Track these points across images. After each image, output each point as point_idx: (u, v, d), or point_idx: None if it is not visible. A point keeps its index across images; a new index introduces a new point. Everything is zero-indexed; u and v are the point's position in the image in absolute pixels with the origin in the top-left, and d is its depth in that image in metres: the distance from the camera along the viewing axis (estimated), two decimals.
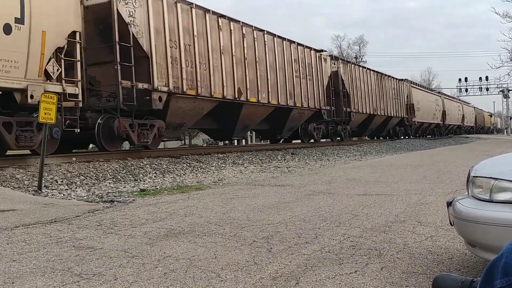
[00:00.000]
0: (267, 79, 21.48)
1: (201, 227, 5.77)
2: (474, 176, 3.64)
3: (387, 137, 41.92)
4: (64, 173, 11.13)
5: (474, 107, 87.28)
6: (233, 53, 19.22)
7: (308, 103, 25.32)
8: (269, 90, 21.66)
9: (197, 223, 6.00)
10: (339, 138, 30.79)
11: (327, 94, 27.87)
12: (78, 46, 12.92)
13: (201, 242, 4.95)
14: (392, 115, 39.37)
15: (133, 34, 14.42)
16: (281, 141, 27.10)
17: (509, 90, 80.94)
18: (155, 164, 13.79)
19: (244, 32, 20.05)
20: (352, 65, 33.23)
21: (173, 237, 5.21)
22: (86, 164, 12.32)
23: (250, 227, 5.71)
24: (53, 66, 12.09)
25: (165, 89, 15.60)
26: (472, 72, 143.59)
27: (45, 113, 9.43)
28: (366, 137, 42.12)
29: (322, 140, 29.72)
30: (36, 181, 9.85)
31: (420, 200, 7.59)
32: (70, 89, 12.58)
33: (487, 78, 78.45)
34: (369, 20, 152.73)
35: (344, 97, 29.74)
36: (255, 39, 20.87)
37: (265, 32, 21.88)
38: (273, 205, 7.43)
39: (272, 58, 22.10)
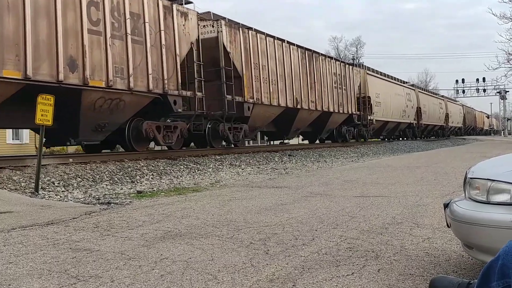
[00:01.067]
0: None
1: (198, 229, 5.76)
2: (471, 178, 3.64)
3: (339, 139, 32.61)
4: (61, 175, 11.11)
5: (463, 105, 79.15)
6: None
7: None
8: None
9: (194, 225, 6.00)
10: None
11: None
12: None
13: (198, 244, 4.94)
14: (333, 110, 29.10)
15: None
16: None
17: (506, 92, 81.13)
18: (152, 166, 13.78)
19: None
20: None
21: (170, 239, 5.20)
22: (83, 165, 12.29)
23: (247, 229, 5.71)
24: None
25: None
26: (469, 74, 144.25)
27: (41, 115, 9.41)
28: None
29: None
30: (33, 182, 9.83)
31: (417, 202, 7.59)
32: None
33: (484, 79, 78.68)
34: (367, 22, 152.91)
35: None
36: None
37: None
38: (270, 207, 7.42)
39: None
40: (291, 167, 16.62)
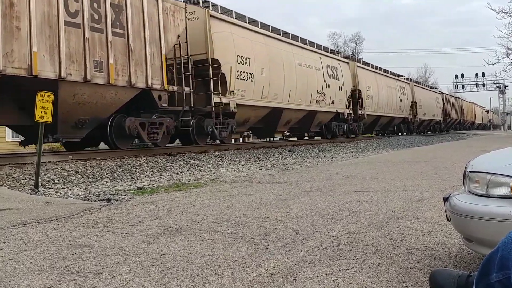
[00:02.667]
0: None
1: (198, 224, 5.77)
2: (470, 171, 3.64)
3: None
4: (61, 172, 11.11)
5: (443, 93, 65.20)
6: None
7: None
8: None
9: (194, 221, 6.00)
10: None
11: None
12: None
13: (198, 240, 4.94)
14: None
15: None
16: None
17: (505, 86, 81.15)
18: (152, 163, 13.78)
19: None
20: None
21: (170, 235, 5.20)
22: (83, 162, 12.29)
23: (247, 224, 5.71)
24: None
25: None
26: (469, 69, 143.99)
27: (41, 112, 9.41)
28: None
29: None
30: (33, 180, 9.83)
31: (417, 196, 7.59)
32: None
33: (483, 74, 78.70)
34: (364, 19, 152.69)
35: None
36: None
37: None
38: (270, 202, 7.43)
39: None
40: (291, 162, 16.62)
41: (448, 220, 3.82)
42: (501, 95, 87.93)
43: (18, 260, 4.32)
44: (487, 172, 3.47)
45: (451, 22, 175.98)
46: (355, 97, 32.58)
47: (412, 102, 45.45)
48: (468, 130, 74.55)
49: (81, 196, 9.15)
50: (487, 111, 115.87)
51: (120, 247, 4.70)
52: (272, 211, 6.57)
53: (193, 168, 14.08)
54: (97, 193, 9.44)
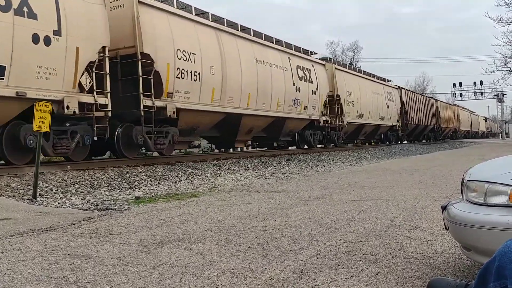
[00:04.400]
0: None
1: (197, 234, 5.76)
2: (468, 180, 3.65)
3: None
4: (59, 182, 11.10)
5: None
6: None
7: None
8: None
9: (193, 230, 5.99)
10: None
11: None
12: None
13: (197, 249, 4.94)
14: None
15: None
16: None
17: (503, 94, 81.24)
18: (150, 172, 13.77)
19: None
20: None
21: (169, 245, 5.19)
22: (81, 172, 12.29)
23: (245, 233, 5.70)
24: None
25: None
26: (467, 77, 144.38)
27: (39, 122, 9.42)
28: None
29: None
30: (31, 189, 9.82)
31: (416, 205, 7.59)
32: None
33: (481, 82, 78.68)
34: (363, 26, 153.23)
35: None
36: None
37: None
38: (269, 211, 7.42)
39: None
40: (290, 171, 16.62)
41: (446, 228, 3.82)
42: (499, 103, 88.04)
43: (16, 270, 4.31)
44: (485, 181, 3.47)
45: (450, 29, 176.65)
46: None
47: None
48: (466, 139, 74.50)
49: (79, 205, 9.14)
50: (485, 119, 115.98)
51: (118, 257, 4.69)
52: (271, 220, 6.56)
53: (191, 177, 14.08)
54: (95, 202, 9.43)
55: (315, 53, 28.72)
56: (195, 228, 6.16)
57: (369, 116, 35.13)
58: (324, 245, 4.98)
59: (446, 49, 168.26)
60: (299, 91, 24.72)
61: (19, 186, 10.26)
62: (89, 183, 11.48)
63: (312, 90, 26.21)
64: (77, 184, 11.23)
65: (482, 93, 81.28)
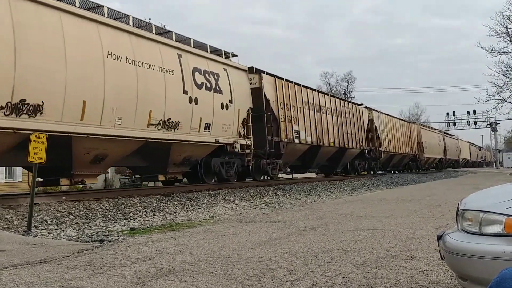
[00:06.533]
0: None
1: (192, 265, 5.73)
2: (463, 209, 3.66)
3: None
4: (54, 213, 11.04)
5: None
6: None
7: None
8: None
9: (188, 262, 5.96)
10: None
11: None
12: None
13: (192, 281, 4.91)
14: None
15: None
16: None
17: (497, 124, 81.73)
18: (146, 203, 13.72)
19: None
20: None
21: (163, 276, 5.16)
22: (76, 203, 12.23)
23: (241, 264, 5.68)
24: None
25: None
26: (460, 107, 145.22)
27: (34, 153, 9.41)
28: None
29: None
30: (26, 221, 9.76)
31: (411, 235, 7.58)
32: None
33: (474, 112, 79.13)
34: (356, 58, 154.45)
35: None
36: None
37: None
38: (264, 241, 7.39)
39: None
40: (285, 201, 16.59)
41: (442, 258, 3.82)
42: (493, 133, 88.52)
43: None
44: (479, 210, 3.49)
45: (442, 61, 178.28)
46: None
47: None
48: (461, 168, 74.59)
49: (74, 237, 9.08)
50: (479, 149, 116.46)
51: None
52: (266, 251, 6.54)
53: (186, 208, 14.03)
54: (90, 234, 9.37)
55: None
56: (190, 259, 6.13)
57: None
58: (320, 276, 4.96)
59: (437, 80, 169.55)
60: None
61: (14, 218, 10.20)
62: (84, 214, 11.42)
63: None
64: (72, 215, 11.17)
65: (475, 122, 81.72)
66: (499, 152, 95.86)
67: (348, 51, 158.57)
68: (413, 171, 49.99)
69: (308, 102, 27.22)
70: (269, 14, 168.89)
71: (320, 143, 27.77)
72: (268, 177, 24.44)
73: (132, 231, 9.63)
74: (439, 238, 3.82)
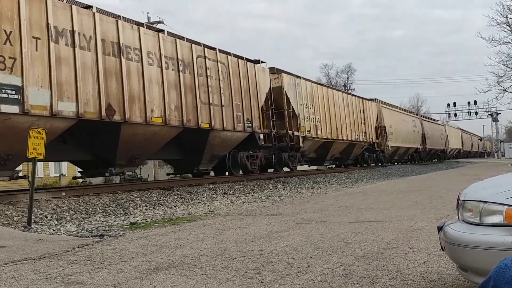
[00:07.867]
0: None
1: (192, 259, 5.71)
2: (463, 200, 3.64)
3: None
4: (53, 208, 11.03)
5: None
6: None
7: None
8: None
9: (188, 255, 5.94)
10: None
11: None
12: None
13: (192, 275, 4.89)
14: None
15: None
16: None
17: (497, 114, 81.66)
18: (146, 197, 13.71)
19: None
20: None
21: (164, 270, 5.15)
22: (76, 198, 12.22)
23: (241, 258, 5.66)
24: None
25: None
26: (461, 97, 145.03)
27: (33, 148, 9.38)
28: None
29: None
30: (26, 217, 9.75)
31: (412, 226, 7.57)
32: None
33: (475, 102, 79.13)
34: (356, 50, 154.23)
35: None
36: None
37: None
38: (265, 235, 7.38)
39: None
40: (286, 194, 16.57)
41: (442, 249, 3.80)
42: (494, 123, 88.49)
43: None
44: (480, 201, 3.46)
45: (442, 52, 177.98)
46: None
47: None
48: (462, 159, 74.52)
49: (74, 232, 9.07)
50: (481, 139, 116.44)
51: (112, 284, 4.65)
52: (267, 244, 6.52)
53: (186, 202, 14.02)
54: (90, 229, 9.36)
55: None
56: (191, 253, 6.12)
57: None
58: (321, 268, 4.94)
59: (439, 69, 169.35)
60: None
61: (14, 214, 10.19)
62: (83, 210, 11.41)
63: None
64: (71, 210, 11.15)
65: (476, 113, 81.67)
66: (500, 143, 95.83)
67: (348, 44, 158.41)
68: (417, 161, 51.71)
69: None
70: (268, 7, 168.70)
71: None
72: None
73: (132, 226, 9.61)
74: (440, 229, 3.79)
